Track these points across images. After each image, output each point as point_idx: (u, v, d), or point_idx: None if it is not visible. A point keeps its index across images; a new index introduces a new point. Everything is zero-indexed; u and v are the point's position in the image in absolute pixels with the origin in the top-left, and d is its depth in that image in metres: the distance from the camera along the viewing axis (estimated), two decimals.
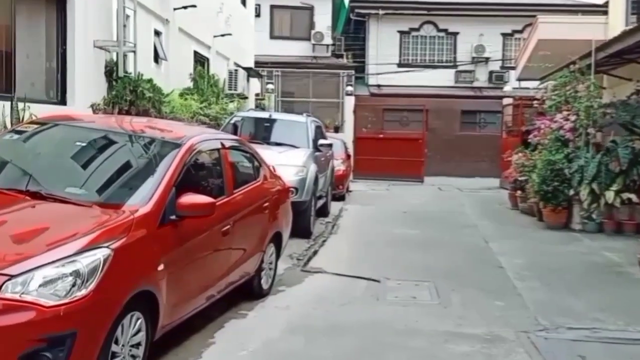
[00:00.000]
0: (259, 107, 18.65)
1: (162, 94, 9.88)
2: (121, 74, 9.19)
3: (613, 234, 12.13)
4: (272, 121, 12.56)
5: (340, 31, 28.63)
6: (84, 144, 5.30)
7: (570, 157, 12.79)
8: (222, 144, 6.05)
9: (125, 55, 9.60)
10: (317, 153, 12.01)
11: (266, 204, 6.85)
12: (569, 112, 13.01)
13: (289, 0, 26.65)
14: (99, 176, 5.00)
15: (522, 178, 15.02)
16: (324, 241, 10.97)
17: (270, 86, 22.99)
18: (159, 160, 5.03)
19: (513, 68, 25.46)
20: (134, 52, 9.75)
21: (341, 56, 27.02)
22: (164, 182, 4.72)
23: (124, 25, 9.40)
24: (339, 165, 16.72)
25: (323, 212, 13.29)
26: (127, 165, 5.18)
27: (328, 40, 26.39)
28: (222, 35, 15.60)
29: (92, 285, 3.77)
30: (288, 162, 10.69)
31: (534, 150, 15.55)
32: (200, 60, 15.10)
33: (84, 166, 5.12)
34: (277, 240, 7.31)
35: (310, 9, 26.83)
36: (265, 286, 6.99)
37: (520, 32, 27.16)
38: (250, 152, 7.05)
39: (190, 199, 4.72)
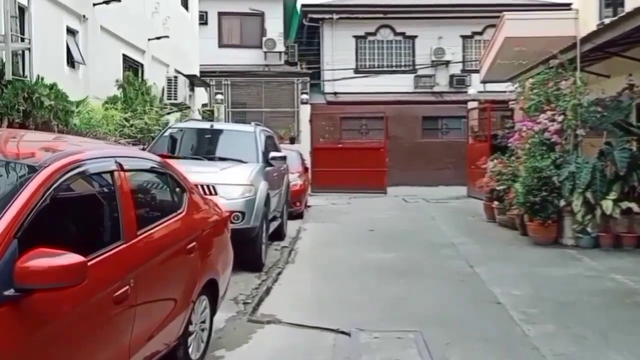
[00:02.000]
0: (205, 117, 16.72)
1: (69, 102, 7.92)
2: (10, 77, 7.17)
3: (611, 250, 10.59)
4: (214, 132, 10.71)
5: (293, 38, 26.92)
6: None
7: (558, 163, 11.22)
8: (120, 165, 4.12)
9: (18, 54, 7.61)
10: (269, 168, 10.20)
11: (193, 244, 4.99)
12: (554, 112, 11.45)
13: (238, 6, 24.80)
14: None
15: (500, 187, 13.41)
16: (279, 274, 9.13)
17: (219, 96, 21.10)
18: None
19: (475, 71, 24.23)
20: (29, 49, 7.74)
21: (295, 64, 25.28)
22: None
23: (13, 16, 7.41)
24: (295, 180, 14.92)
25: (278, 235, 11.48)
26: None
27: (280, 47, 24.62)
28: (158, 38, 13.69)
29: None
30: (232, 181, 8.89)
31: (510, 156, 14.02)
32: (132, 66, 13.18)
33: None
34: (211, 289, 5.45)
35: (261, 15, 25.05)
36: (194, 356, 5.10)
37: (481, 33, 25.91)
38: (168, 173, 5.16)
39: (40, 261, 2.83)
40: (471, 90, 22.36)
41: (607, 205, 10.42)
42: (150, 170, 4.97)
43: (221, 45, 24.52)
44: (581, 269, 9.34)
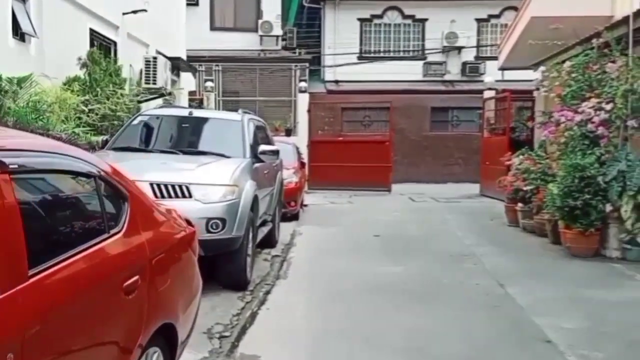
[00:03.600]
0: (194, 106, 14.92)
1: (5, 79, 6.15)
2: None
3: None
4: (193, 121, 8.92)
5: (292, 21, 25.02)
6: None
7: (603, 160, 9.46)
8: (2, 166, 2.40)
9: None
10: (258, 164, 8.43)
11: (134, 278, 3.30)
12: (600, 99, 9.67)
13: None
14: None
15: (528, 187, 11.64)
16: (268, 293, 7.39)
17: (209, 83, 19.27)
18: None
19: (490, 58, 22.48)
20: None
21: (294, 49, 23.43)
22: None
23: None
24: (290, 177, 13.17)
25: (269, 241, 9.74)
26: None
27: (278, 31, 22.74)
28: (135, 12, 11.88)
29: None
30: (211, 180, 7.16)
31: (537, 152, 12.31)
32: (104, 44, 11.38)
33: None
34: (166, 336, 3.75)
35: None
36: None
37: (498, 17, 23.95)
38: (97, 174, 3.42)
39: None
40: (487, 78, 20.51)
41: None
42: (65, 172, 3.21)
43: (213, 28, 22.62)
44: (639, 291, 7.59)
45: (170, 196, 6.84)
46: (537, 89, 17.22)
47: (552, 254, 9.76)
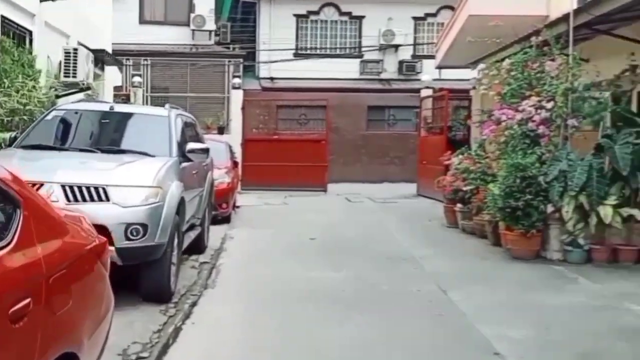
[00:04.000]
0: (121, 103, 14.08)
1: None
2: None
3: (607, 266, 8.69)
4: (115, 116, 8.20)
5: (226, 16, 24.23)
6: None
7: (544, 160, 9.21)
8: None
9: None
10: (186, 163, 7.79)
11: (25, 302, 2.73)
12: (540, 97, 9.43)
13: None
14: None
15: (468, 188, 11.35)
16: (194, 305, 6.77)
17: (136, 79, 18.37)
18: None
19: (427, 57, 22.31)
20: None
21: (228, 45, 22.68)
22: None
23: None
24: (222, 177, 12.53)
25: (197, 247, 9.11)
26: None
27: (211, 25, 21.96)
28: (54, 0, 11.02)
29: None
30: (132, 181, 6.51)
31: (477, 151, 12.06)
32: (17, 33, 10.49)
33: None
34: None
35: None
36: None
37: (434, 15, 23.77)
38: None
39: None
40: (425, 77, 20.27)
41: (606, 212, 8.45)
42: None
43: (142, 21, 21.67)
44: (583, 295, 7.31)
45: (84, 199, 6.18)
46: (474, 88, 17.12)
47: (493, 256, 9.47)
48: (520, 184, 9.03)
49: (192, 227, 8.69)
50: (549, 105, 9.30)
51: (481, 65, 11.85)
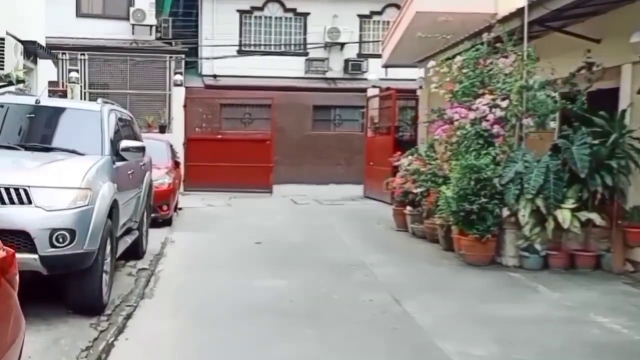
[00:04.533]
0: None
1: None
2: None
3: (564, 272, 8.42)
4: (41, 111, 7.48)
5: (167, 10, 23.41)
6: None
7: (498, 161, 8.89)
8: None
9: None
10: (120, 163, 7.16)
11: None
12: (494, 95, 9.11)
13: None
14: None
15: (418, 190, 10.98)
16: (128, 318, 6.15)
17: (73, 74, 17.43)
18: None
19: (373, 56, 22.11)
20: None
21: (169, 41, 21.86)
22: None
23: None
24: (162, 178, 11.91)
25: (135, 252, 8.49)
26: None
27: (152, 20, 21.09)
28: None
29: None
30: (58, 182, 5.87)
31: (428, 150, 11.73)
32: None
33: None
34: None
35: None
36: None
37: (380, 13, 23.45)
38: None
39: None
40: (372, 76, 19.87)
41: (565, 216, 8.16)
42: None
43: (80, 14, 20.63)
44: (544, 305, 6.96)
45: (3, 202, 5.52)
46: (421, 87, 16.93)
47: (447, 263, 9.09)
48: (475, 186, 8.69)
49: (128, 232, 8.06)
50: (504, 103, 8.98)
51: (431, 63, 11.48)
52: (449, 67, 10.23)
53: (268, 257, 9.37)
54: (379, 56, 19.18)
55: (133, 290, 7.08)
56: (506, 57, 9.38)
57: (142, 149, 7.42)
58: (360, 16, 23.41)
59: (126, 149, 7.10)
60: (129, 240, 7.96)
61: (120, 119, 7.89)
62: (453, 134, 9.97)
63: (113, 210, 6.37)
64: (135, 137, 8.59)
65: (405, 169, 11.72)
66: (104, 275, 6.14)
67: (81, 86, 17.73)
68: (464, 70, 9.95)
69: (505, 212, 8.67)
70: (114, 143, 7.03)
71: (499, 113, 8.88)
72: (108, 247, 6.23)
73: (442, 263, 9.09)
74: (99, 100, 7.74)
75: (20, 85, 11.29)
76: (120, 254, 7.36)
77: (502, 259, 8.84)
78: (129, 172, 7.54)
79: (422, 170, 11.06)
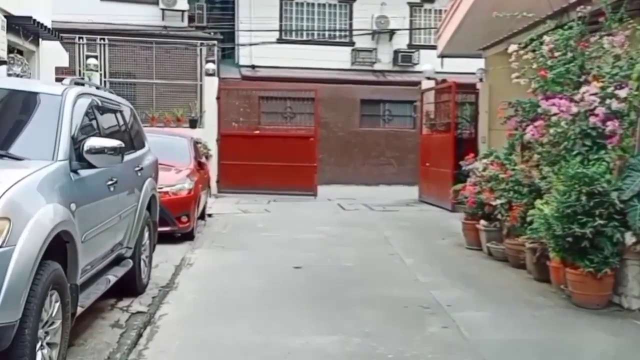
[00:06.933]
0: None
1: None
2: None
3: None
4: None
5: None
6: None
7: (612, 168, 6.56)
8: None
9: None
10: (88, 171, 4.89)
11: None
12: (602, 84, 6.83)
13: None
14: None
15: (498, 202, 8.66)
16: None
17: (92, 60, 15.49)
18: None
19: (425, 47, 20.54)
20: None
21: (204, 28, 19.94)
22: None
23: None
24: (181, 183, 9.88)
25: (129, 288, 6.41)
26: None
27: (183, 5, 19.22)
28: None
29: None
30: None
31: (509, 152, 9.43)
32: None
33: None
34: None
35: None
36: None
37: (432, 1, 21.37)
38: None
39: None
40: (426, 67, 17.61)
41: None
42: None
43: None
44: None
45: None
46: (481, 80, 15.01)
47: (549, 304, 6.74)
48: (587, 203, 6.35)
49: (118, 261, 5.97)
50: (623, 92, 6.64)
51: (512, 47, 9.12)
52: (535, 50, 7.97)
53: (309, 292, 7.16)
54: (431, 47, 17.41)
55: (111, 358, 4.86)
56: (611, 35, 7.11)
57: (118, 150, 5.06)
58: (411, 4, 21.36)
59: (92, 151, 4.80)
60: (119, 273, 5.87)
61: (97, 107, 5.65)
62: (546, 133, 7.68)
63: (69, 246, 4.22)
64: (130, 135, 6.49)
65: (480, 174, 9.40)
66: (40, 353, 3.92)
67: (101, 74, 15.85)
68: (557, 54, 7.69)
69: (630, 238, 6.31)
70: (78, 142, 4.82)
71: (615, 105, 6.55)
72: (56, 307, 4.04)
73: (541, 304, 6.74)
74: (67, 79, 5.58)
75: (4, 67, 9.31)
76: (104, 291, 5.28)
77: (622, 300, 6.51)
78: (109, 182, 5.37)
79: (501, 177, 8.74)
